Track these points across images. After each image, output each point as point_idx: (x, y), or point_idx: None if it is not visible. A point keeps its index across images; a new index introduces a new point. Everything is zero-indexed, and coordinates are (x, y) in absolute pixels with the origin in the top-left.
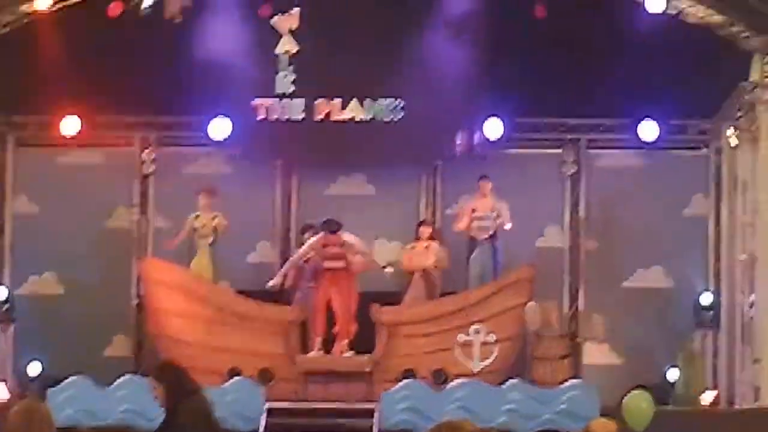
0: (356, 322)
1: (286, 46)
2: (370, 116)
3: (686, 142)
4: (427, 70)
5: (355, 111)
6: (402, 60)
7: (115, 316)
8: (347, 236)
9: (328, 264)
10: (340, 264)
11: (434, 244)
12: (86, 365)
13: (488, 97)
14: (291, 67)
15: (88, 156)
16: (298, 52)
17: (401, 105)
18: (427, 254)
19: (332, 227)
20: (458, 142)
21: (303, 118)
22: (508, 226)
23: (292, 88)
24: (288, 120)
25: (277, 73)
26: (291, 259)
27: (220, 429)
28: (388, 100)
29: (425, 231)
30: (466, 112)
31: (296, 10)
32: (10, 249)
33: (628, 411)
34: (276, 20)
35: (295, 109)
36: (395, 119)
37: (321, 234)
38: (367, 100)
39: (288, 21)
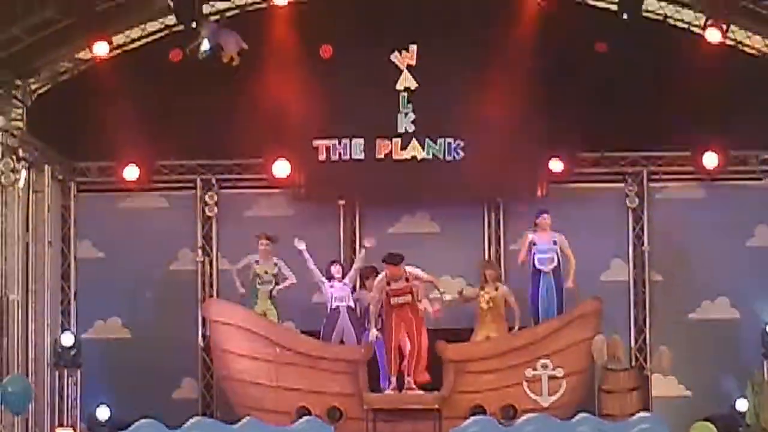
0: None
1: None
2: (430, 155)
3: (748, 173)
4: (486, 108)
5: (415, 150)
6: (460, 100)
7: (182, 359)
8: (410, 268)
9: (394, 301)
10: (407, 299)
11: (503, 287)
12: (155, 409)
13: (548, 133)
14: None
15: (150, 200)
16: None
17: (461, 145)
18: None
19: (394, 260)
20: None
21: (364, 158)
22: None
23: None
24: (350, 159)
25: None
26: (371, 310)
27: None
28: (448, 140)
29: (493, 274)
30: (527, 148)
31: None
32: (76, 294)
33: None
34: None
35: (356, 149)
36: (456, 158)
37: (384, 271)
38: (427, 140)
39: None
